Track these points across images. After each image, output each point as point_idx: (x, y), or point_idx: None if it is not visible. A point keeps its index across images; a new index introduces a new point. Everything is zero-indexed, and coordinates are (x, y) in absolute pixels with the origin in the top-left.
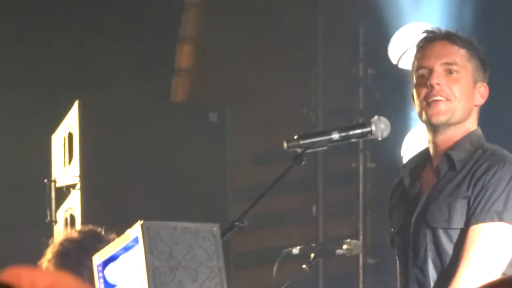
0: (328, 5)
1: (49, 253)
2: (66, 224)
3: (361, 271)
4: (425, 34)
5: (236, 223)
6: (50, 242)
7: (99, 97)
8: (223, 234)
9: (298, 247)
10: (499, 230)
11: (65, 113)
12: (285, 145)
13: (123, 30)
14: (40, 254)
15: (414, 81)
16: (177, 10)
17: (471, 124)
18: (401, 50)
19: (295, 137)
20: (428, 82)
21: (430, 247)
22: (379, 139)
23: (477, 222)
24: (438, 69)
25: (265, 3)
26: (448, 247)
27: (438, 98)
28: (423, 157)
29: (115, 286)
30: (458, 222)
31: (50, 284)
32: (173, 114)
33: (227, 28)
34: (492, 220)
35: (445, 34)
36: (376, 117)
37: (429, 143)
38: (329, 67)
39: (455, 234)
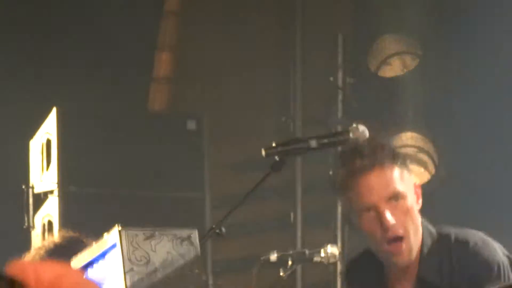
0: (307, 13)
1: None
2: (44, 230)
3: (338, 278)
4: (348, 157)
5: (214, 230)
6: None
7: (77, 104)
8: (201, 240)
9: (276, 254)
10: None
11: (43, 120)
12: (263, 152)
13: (102, 37)
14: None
15: (358, 214)
16: (155, 18)
17: (420, 224)
18: (380, 59)
19: (273, 144)
20: (381, 222)
21: None
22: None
23: None
24: (385, 206)
25: (243, 12)
26: None
27: (399, 235)
28: (371, 269)
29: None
30: None
31: (54, 276)
32: (151, 122)
33: (205, 36)
34: None
35: (372, 160)
36: (354, 125)
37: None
38: (308, 75)
39: None
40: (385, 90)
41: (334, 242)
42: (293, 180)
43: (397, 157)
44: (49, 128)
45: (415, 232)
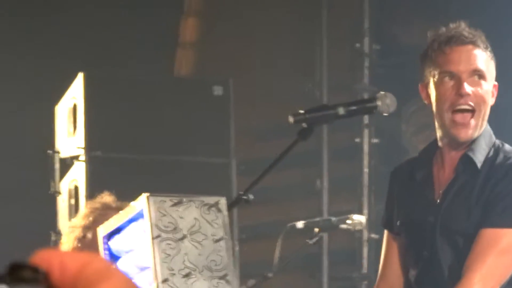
0: None
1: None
2: (70, 195)
3: (364, 246)
4: (446, 33)
5: (242, 197)
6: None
7: (103, 70)
8: (228, 208)
9: (302, 222)
10: (510, 239)
11: (69, 85)
12: (291, 119)
13: (128, 2)
14: (43, 225)
15: (433, 82)
16: None
17: (486, 118)
18: (407, 25)
19: (301, 111)
20: (456, 89)
21: (449, 251)
22: (385, 114)
23: (493, 225)
24: (467, 76)
25: None
26: (466, 252)
27: (466, 107)
28: (432, 152)
29: (119, 257)
30: (477, 228)
31: (80, 265)
32: (177, 88)
33: (231, 1)
34: (510, 226)
35: (470, 37)
36: (382, 92)
37: (441, 139)
38: (334, 42)
39: (474, 239)
40: (411, 57)
41: (360, 209)
42: (319, 147)
43: (489, 49)
44: (75, 93)
45: (483, 117)
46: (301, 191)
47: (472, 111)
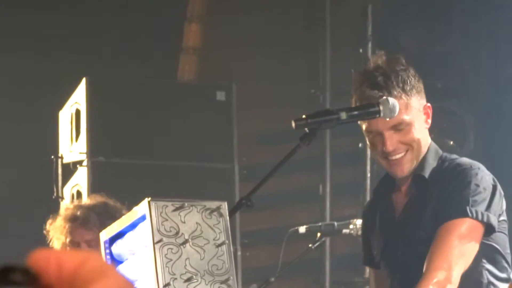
0: None
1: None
2: (72, 200)
3: None
4: (360, 91)
5: (244, 202)
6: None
7: (107, 75)
8: (230, 212)
9: (305, 226)
10: (467, 225)
11: (73, 90)
12: (293, 124)
13: (131, 7)
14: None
15: (364, 132)
16: None
17: (427, 142)
18: (410, 31)
19: (303, 116)
20: (382, 145)
21: (418, 262)
22: (387, 119)
23: (447, 219)
24: (388, 133)
25: None
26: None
27: (398, 156)
28: (389, 181)
29: (121, 262)
30: (435, 230)
31: (77, 264)
32: (181, 93)
33: (234, 7)
34: (464, 216)
35: (380, 93)
36: (384, 97)
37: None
38: (337, 47)
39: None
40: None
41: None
42: (322, 152)
43: (407, 85)
44: (78, 99)
45: (417, 151)
46: (303, 196)
47: (405, 153)
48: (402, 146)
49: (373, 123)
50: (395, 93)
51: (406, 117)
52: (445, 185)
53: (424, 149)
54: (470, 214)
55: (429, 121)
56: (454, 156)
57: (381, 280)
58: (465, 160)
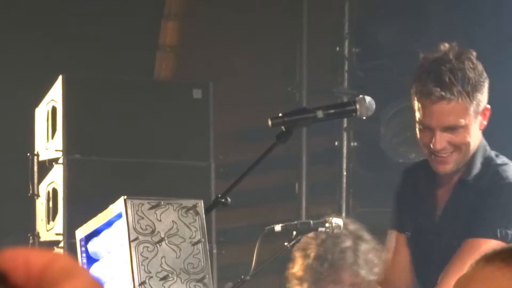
0: None
1: None
2: (48, 198)
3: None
4: (427, 79)
5: (220, 200)
6: None
7: (83, 72)
8: (206, 211)
9: (281, 224)
10: (491, 247)
11: (49, 88)
12: (269, 122)
13: (108, 4)
14: (21, 228)
15: (415, 120)
16: None
17: (477, 142)
18: (387, 29)
19: (280, 114)
20: (432, 141)
21: (443, 260)
22: (364, 118)
23: (473, 236)
24: (440, 132)
25: None
26: None
27: (444, 155)
28: (431, 173)
29: (97, 260)
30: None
31: (45, 263)
32: (157, 90)
33: (212, 5)
34: (488, 237)
35: (443, 92)
36: (361, 96)
37: None
38: (314, 45)
39: None
40: (390, 60)
41: (338, 212)
42: (298, 150)
43: (472, 88)
44: (55, 96)
45: (465, 152)
46: (279, 194)
47: (451, 153)
48: (451, 147)
49: (428, 118)
50: (458, 95)
51: (462, 121)
52: (483, 197)
53: (472, 151)
54: (498, 235)
55: (485, 122)
56: (500, 160)
57: (402, 244)
58: (508, 170)
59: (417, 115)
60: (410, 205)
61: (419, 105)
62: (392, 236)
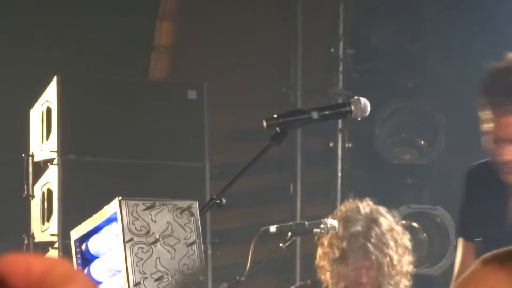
0: None
1: None
2: (43, 198)
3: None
4: (492, 83)
5: (215, 201)
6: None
7: (78, 73)
8: (201, 211)
9: (276, 225)
10: None
11: (44, 88)
12: (264, 123)
13: (103, 5)
14: (16, 228)
15: (484, 131)
16: None
17: None
18: (382, 30)
19: (275, 115)
20: (501, 152)
21: None
22: (359, 119)
23: None
24: (510, 142)
25: None
26: None
27: None
28: (499, 181)
29: (92, 261)
30: None
31: (45, 268)
32: (152, 91)
33: (207, 5)
34: None
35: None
36: (355, 97)
37: None
38: (309, 46)
39: None
40: (385, 62)
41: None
42: (293, 151)
43: None
44: (49, 97)
45: None
46: (274, 195)
47: None
48: None
49: (498, 129)
50: None
51: None
52: None
53: None
54: None
55: None
56: None
57: (470, 255)
58: None
59: (486, 125)
60: (478, 210)
61: (488, 116)
62: (459, 246)
